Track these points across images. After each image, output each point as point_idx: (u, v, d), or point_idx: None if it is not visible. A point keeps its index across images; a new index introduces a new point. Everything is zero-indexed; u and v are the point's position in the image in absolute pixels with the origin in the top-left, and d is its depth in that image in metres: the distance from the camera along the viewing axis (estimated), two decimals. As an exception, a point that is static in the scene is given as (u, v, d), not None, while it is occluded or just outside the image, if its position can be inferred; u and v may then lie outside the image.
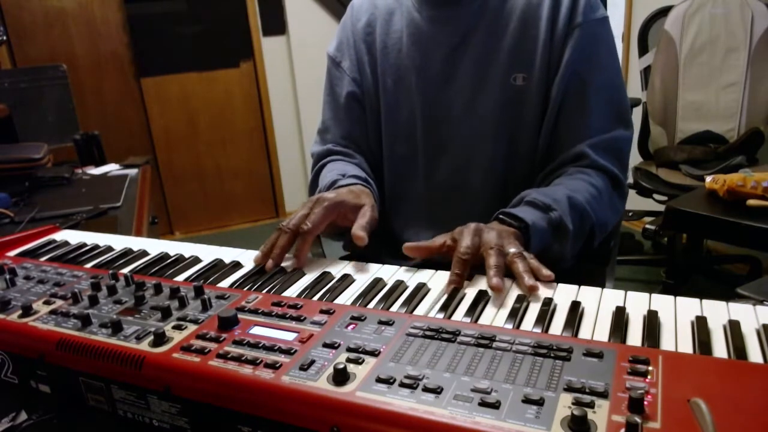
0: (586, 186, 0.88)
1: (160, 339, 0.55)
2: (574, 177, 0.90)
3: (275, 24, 3.83)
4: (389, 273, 0.71)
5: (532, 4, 0.92)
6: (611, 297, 0.61)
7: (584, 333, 0.54)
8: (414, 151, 1.02)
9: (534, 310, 0.59)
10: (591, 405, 0.42)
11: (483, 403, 0.43)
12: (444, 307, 0.60)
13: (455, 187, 1.00)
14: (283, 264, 0.75)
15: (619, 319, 0.55)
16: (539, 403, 0.42)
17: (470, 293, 0.63)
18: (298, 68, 3.88)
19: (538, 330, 0.54)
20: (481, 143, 0.96)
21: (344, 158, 1.05)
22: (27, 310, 0.64)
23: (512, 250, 0.69)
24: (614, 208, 0.94)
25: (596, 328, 0.55)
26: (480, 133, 0.96)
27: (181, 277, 0.73)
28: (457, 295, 0.63)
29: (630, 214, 2.79)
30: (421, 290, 0.65)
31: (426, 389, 0.45)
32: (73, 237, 0.93)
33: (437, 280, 0.68)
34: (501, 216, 0.80)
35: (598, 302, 0.60)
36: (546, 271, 0.65)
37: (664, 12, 2.47)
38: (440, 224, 1.02)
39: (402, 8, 1.01)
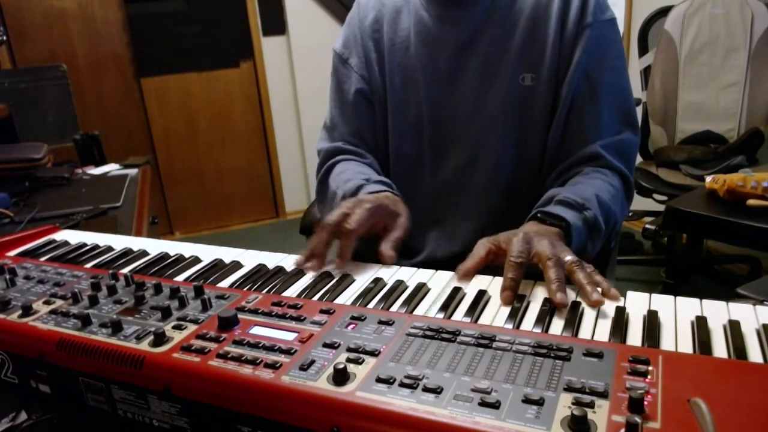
0: (606, 186, 0.88)
1: (160, 339, 0.55)
2: (592, 176, 0.89)
3: (275, 24, 3.83)
4: (389, 273, 0.71)
5: (541, 4, 0.92)
6: (611, 297, 0.61)
7: (584, 333, 0.55)
8: (420, 150, 1.02)
9: (534, 310, 0.59)
10: (591, 405, 0.42)
11: (483, 403, 0.43)
12: (444, 307, 0.60)
13: (461, 187, 0.99)
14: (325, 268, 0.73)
15: (619, 319, 0.55)
16: (539, 403, 0.42)
17: (470, 293, 0.63)
18: (298, 68, 3.88)
19: (538, 330, 0.54)
20: (488, 143, 0.96)
21: (355, 158, 1.04)
22: (27, 310, 0.64)
23: (568, 258, 0.67)
24: (623, 210, 0.94)
25: (596, 328, 0.55)
26: (487, 133, 0.96)
27: (181, 277, 0.73)
28: (457, 295, 0.63)
29: (630, 214, 2.78)
30: (421, 290, 0.65)
31: (426, 389, 0.45)
32: (73, 237, 0.93)
33: (437, 280, 0.68)
34: (540, 215, 0.79)
35: (598, 302, 0.60)
36: (614, 291, 0.61)
37: (664, 12, 2.47)
38: (445, 223, 1.02)
39: (409, 6, 1.00)
